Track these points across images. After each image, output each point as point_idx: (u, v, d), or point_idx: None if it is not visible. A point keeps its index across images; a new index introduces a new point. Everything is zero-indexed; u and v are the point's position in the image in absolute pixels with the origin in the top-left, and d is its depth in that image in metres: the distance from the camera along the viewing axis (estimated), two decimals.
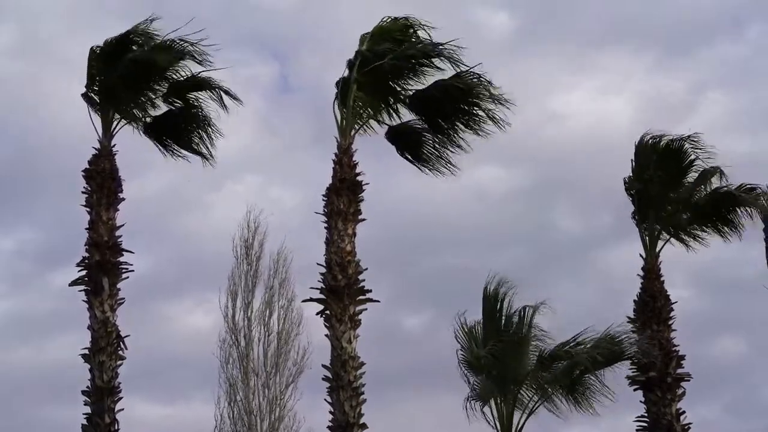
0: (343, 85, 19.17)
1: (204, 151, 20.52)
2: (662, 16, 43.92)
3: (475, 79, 18.96)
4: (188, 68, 19.87)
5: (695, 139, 20.05)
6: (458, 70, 18.95)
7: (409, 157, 20.14)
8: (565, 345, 18.19)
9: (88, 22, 40.03)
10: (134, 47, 19.62)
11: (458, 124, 19.62)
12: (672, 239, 20.27)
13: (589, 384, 18.69)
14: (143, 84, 19.89)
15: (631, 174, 20.24)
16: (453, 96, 19.23)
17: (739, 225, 20.33)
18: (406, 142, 20.11)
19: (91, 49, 19.62)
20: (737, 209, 20.24)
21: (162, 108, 20.39)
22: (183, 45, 19.50)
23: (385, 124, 19.98)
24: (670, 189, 20.01)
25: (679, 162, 20.11)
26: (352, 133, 19.11)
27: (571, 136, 40.87)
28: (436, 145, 19.98)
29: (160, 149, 20.62)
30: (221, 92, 19.90)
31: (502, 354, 18.20)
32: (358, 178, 18.68)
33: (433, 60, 19.18)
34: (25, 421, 34.58)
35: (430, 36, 19.33)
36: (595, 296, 36.04)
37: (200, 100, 20.27)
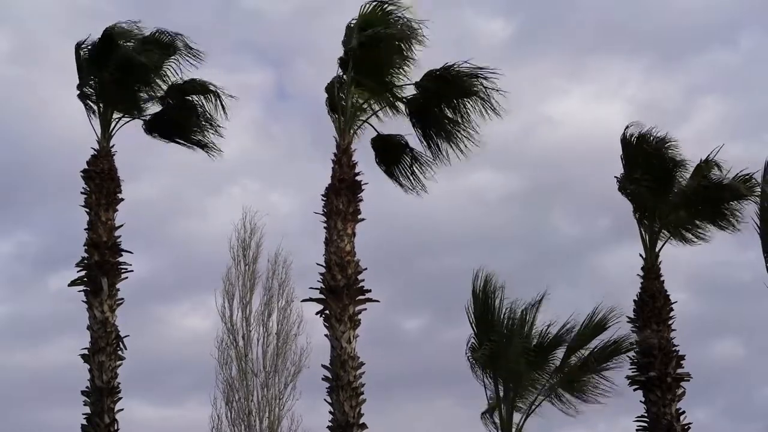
0: (338, 83, 19.07)
1: (208, 141, 20.52)
2: (656, 22, 44.03)
3: (468, 69, 18.73)
4: (180, 68, 19.96)
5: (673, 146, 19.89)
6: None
7: (384, 168, 20.02)
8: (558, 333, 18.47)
9: (86, 27, 40.04)
10: (120, 43, 19.45)
11: (449, 115, 19.29)
12: (672, 238, 20.18)
13: (588, 380, 18.79)
14: (136, 83, 19.79)
15: (622, 171, 20.16)
16: (445, 85, 19.00)
17: (735, 216, 20.01)
18: (384, 153, 19.93)
19: (77, 45, 19.55)
20: (731, 202, 19.94)
21: (159, 108, 20.30)
22: (170, 38, 19.53)
23: (374, 128, 19.79)
24: (663, 187, 19.86)
25: (666, 163, 19.94)
26: (351, 132, 19.07)
27: (566, 140, 40.96)
28: (415, 161, 19.82)
29: (164, 141, 20.59)
30: (218, 95, 19.91)
31: (498, 354, 18.21)
32: (357, 178, 18.61)
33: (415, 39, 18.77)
34: (24, 424, 34.59)
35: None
36: (593, 299, 35.99)
37: (198, 101, 20.24)
